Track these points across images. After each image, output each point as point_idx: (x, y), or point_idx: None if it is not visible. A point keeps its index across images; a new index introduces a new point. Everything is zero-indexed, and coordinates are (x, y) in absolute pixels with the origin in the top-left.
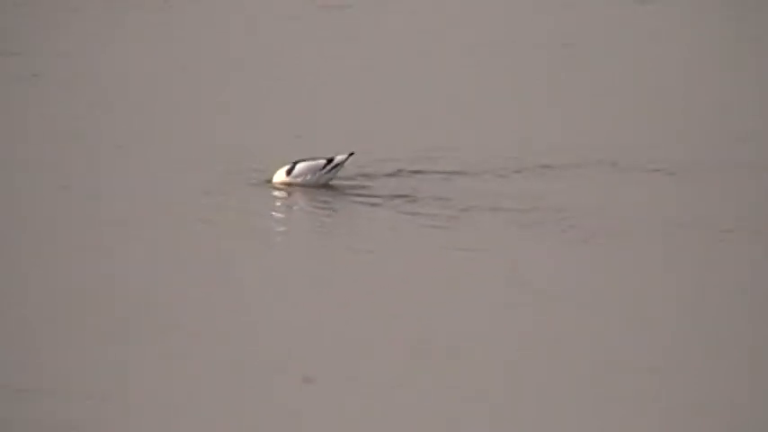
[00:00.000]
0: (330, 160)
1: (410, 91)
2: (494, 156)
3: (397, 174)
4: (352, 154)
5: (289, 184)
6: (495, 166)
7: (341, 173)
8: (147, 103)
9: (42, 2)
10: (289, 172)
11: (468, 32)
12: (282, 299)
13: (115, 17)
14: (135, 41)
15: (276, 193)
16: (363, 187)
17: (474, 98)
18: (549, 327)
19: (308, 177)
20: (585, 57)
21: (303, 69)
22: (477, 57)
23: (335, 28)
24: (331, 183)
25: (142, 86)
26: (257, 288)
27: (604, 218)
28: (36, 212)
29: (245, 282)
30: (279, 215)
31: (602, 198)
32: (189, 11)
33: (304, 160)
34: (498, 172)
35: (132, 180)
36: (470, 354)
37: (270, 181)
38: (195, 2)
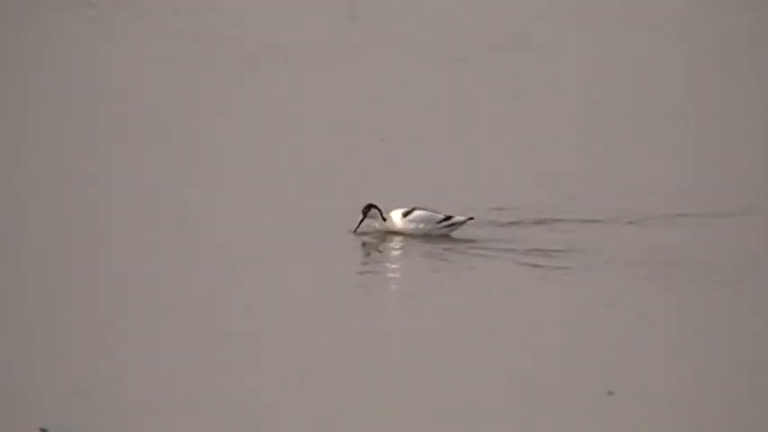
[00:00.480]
0: (448, 217)
1: (532, 139)
2: (620, 203)
3: (519, 223)
4: (470, 218)
5: (398, 230)
6: (620, 214)
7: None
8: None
9: None
10: (406, 215)
11: (591, 82)
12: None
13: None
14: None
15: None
16: (483, 238)
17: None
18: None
19: (422, 226)
20: (710, 103)
21: (422, 121)
22: (598, 101)
23: (452, 82)
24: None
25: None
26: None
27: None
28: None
29: (349, 338)
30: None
31: (733, 247)
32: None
33: (423, 209)
34: (625, 220)
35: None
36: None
37: (356, 226)
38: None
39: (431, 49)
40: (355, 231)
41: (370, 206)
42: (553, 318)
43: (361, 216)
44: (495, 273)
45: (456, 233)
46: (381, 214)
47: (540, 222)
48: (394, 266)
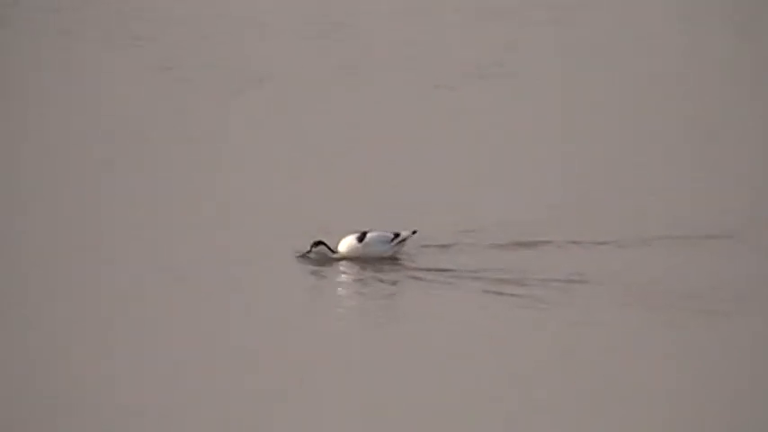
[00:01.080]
0: (397, 234)
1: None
2: (602, 226)
3: (468, 246)
4: (414, 232)
5: (356, 256)
6: (601, 237)
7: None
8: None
9: None
10: (360, 239)
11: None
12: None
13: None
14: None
15: (338, 264)
16: (423, 260)
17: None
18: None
19: (379, 248)
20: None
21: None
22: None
23: (434, 107)
24: (395, 256)
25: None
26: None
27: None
28: None
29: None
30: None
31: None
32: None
33: (372, 230)
34: (604, 242)
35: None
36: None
37: (303, 253)
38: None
39: (414, 76)
40: (300, 256)
41: (317, 243)
42: (523, 343)
43: (308, 248)
44: (466, 299)
45: (425, 257)
46: (330, 249)
47: (518, 245)
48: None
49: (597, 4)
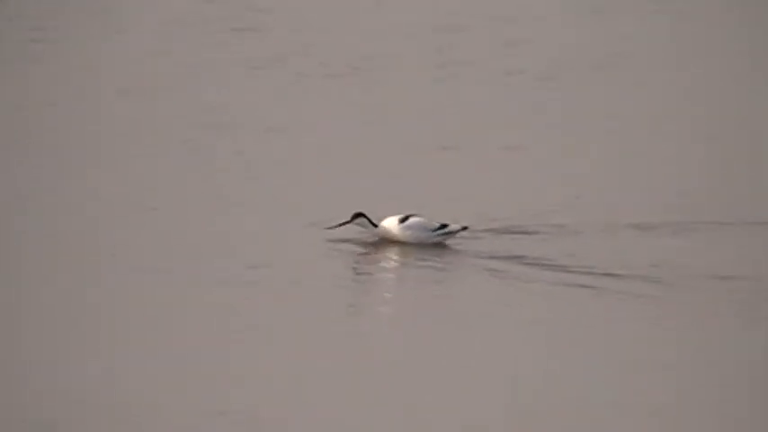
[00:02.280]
0: (444, 225)
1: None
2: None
3: (512, 231)
4: (465, 228)
5: (393, 237)
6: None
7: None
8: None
9: None
10: (402, 221)
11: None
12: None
13: None
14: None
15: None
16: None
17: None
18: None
19: (418, 233)
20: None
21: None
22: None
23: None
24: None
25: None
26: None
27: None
28: None
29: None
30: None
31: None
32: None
33: (418, 215)
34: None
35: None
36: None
37: (339, 224)
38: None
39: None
40: (331, 228)
41: (358, 214)
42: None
43: (348, 219)
44: (501, 287)
45: (456, 244)
46: (371, 222)
47: (537, 232)
48: (390, 279)
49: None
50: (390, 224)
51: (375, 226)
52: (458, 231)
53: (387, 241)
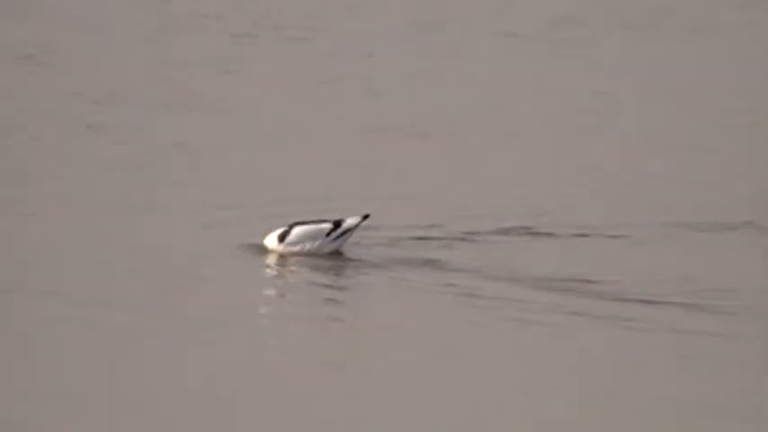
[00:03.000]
0: (338, 224)
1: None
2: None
3: (416, 238)
4: (366, 217)
5: (281, 255)
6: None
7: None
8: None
9: None
10: (282, 238)
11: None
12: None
13: None
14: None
15: (269, 260)
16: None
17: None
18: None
19: (308, 246)
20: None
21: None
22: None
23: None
24: (338, 251)
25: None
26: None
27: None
28: None
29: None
30: (269, 291)
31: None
32: None
33: (304, 222)
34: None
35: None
36: None
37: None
38: None
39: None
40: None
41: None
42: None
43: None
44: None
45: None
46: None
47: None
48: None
49: None
50: (272, 244)
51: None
52: (358, 224)
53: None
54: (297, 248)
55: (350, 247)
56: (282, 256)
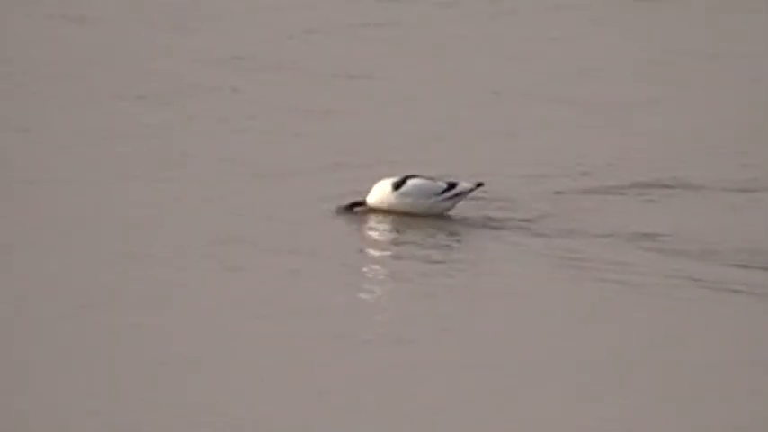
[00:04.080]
0: (452, 185)
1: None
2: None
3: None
4: (480, 185)
5: (388, 207)
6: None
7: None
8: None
9: None
10: (397, 186)
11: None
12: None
13: None
14: None
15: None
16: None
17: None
18: None
19: (421, 201)
20: None
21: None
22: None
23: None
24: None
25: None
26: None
27: None
28: None
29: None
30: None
31: None
32: None
33: (418, 176)
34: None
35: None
36: None
37: (351, 205)
38: None
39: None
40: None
41: (355, 204)
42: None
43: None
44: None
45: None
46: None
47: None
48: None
49: None
50: (382, 191)
51: (362, 204)
52: (471, 191)
53: (378, 212)
54: (409, 200)
55: (461, 209)
56: (383, 211)
